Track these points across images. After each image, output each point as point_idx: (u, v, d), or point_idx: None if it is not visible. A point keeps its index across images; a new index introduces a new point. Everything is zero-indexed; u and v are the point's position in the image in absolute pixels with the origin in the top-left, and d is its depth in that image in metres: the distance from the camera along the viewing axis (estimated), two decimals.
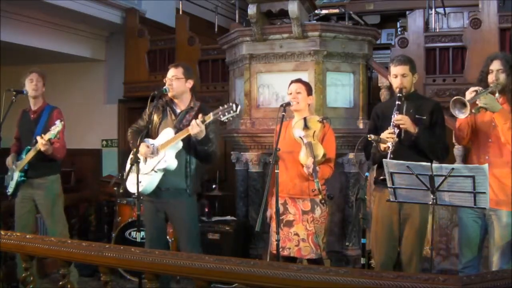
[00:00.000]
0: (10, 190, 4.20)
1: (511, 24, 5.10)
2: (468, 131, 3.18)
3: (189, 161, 3.51)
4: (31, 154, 4.05)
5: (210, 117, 3.29)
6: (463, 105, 2.93)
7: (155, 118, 3.58)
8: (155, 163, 3.40)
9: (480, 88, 3.08)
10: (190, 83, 3.60)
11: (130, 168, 3.36)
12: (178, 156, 3.42)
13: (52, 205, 4.23)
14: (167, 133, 3.45)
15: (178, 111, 3.58)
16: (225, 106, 3.25)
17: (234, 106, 3.22)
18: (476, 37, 5.21)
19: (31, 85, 4.19)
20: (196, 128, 3.25)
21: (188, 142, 3.43)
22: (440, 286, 1.64)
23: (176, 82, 3.53)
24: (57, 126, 3.91)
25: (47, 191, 4.21)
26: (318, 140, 3.50)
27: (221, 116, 3.25)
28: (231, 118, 3.28)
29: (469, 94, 3.12)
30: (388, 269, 3.29)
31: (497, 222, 3.08)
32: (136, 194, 3.48)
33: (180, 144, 3.41)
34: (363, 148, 3.56)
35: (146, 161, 3.45)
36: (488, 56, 3.26)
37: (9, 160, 4.24)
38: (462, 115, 2.97)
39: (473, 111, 2.96)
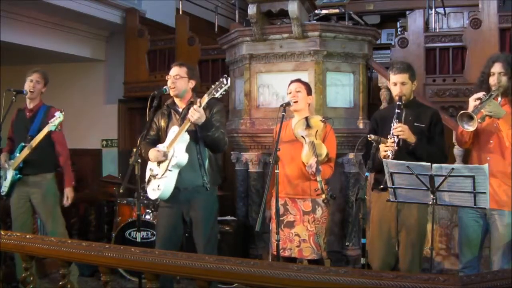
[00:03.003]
0: (4, 190, 4.16)
1: (511, 24, 5.10)
2: (470, 135, 3.17)
3: (201, 155, 3.47)
4: (26, 152, 4.04)
5: (205, 98, 3.30)
6: (470, 118, 2.93)
7: (162, 123, 3.60)
8: (167, 162, 3.39)
9: (483, 94, 3.08)
10: (192, 83, 3.60)
11: (131, 169, 3.35)
12: (188, 151, 3.39)
13: (52, 205, 4.24)
14: (173, 132, 3.46)
15: (180, 109, 3.58)
16: (217, 83, 3.28)
17: (224, 80, 3.24)
18: (476, 37, 5.21)
19: (29, 84, 4.20)
20: (195, 114, 3.25)
21: (196, 135, 3.43)
22: (440, 286, 1.64)
23: (179, 81, 3.53)
24: (58, 118, 3.91)
25: (45, 190, 4.21)
26: (320, 140, 3.50)
27: (215, 93, 3.26)
28: (224, 92, 3.28)
29: (472, 102, 3.12)
30: None
31: (499, 222, 3.07)
32: (156, 200, 3.50)
33: (187, 137, 3.39)
34: (362, 156, 3.54)
35: (159, 165, 3.44)
36: (489, 58, 3.24)
37: (1, 160, 4.21)
38: (471, 128, 2.95)
39: (479, 120, 2.95)
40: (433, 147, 3.24)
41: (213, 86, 3.29)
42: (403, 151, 3.17)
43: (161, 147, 3.47)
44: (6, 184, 4.16)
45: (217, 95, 3.27)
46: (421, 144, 3.19)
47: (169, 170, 3.37)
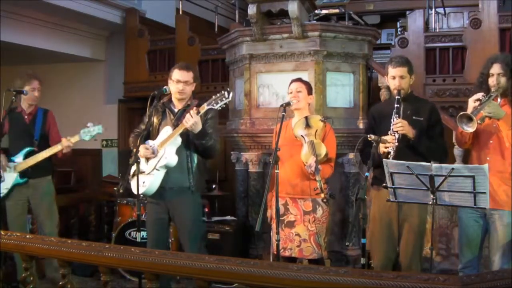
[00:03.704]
0: (4, 191, 4.12)
1: (511, 24, 5.10)
2: (470, 136, 3.17)
3: (190, 158, 3.50)
4: (45, 154, 4.07)
5: (204, 107, 3.31)
6: (470, 119, 2.93)
7: (155, 120, 3.59)
8: (156, 161, 3.41)
9: (483, 94, 3.08)
10: (193, 86, 3.62)
11: (130, 168, 3.37)
12: (178, 153, 3.41)
13: (51, 205, 4.27)
14: (166, 131, 3.46)
15: (176, 110, 3.58)
16: (218, 94, 3.28)
17: (226, 93, 3.24)
18: (476, 37, 5.21)
19: (32, 93, 4.22)
20: (190, 119, 3.25)
21: (187, 138, 3.44)
22: (440, 286, 1.63)
23: (189, 87, 3.54)
24: (97, 130, 4.06)
25: (45, 192, 4.25)
26: (320, 139, 3.50)
27: (215, 105, 3.27)
28: (224, 106, 3.29)
29: (472, 102, 3.12)
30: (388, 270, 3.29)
31: (499, 222, 3.07)
32: (140, 195, 3.49)
33: (179, 140, 3.41)
34: (360, 151, 3.55)
35: (147, 161, 3.45)
36: (488, 58, 3.25)
37: (4, 162, 4.16)
38: (470, 129, 2.96)
39: (478, 121, 2.96)
40: (432, 140, 3.27)
41: (213, 97, 3.29)
42: (403, 146, 3.19)
43: (150, 143, 3.48)
44: (6, 187, 4.14)
45: (217, 107, 3.28)
46: (420, 138, 3.21)
47: (157, 170, 3.39)
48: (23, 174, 4.14)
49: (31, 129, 4.23)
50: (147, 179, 3.41)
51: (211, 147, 3.45)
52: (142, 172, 3.43)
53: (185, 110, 3.54)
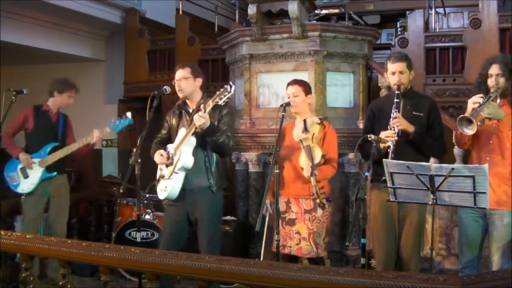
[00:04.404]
0: (30, 187, 4.19)
1: (511, 24, 5.10)
2: (469, 136, 3.18)
3: (208, 158, 3.48)
4: (75, 147, 4.22)
5: (209, 104, 3.32)
6: (469, 121, 2.93)
7: (173, 122, 3.61)
8: (173, 165, 3.41)
9: (481, 96, 3.08)
10: (199, 82, 3.60)
11: (131, 169, 3.36)
12: (195, 154, 3.41)
13: (67, 203, 4.42)
14: (181, 134, 3.48)
15: (191, 110, 3.59)
16: (221, 90, 3.29)
17: (228, 87, 3.25)
18: (476, 37, 5.21)
19: (69, 100, 4.41)
20: (200, 119, 3.26)
21: (203, 138, 3.43)
22: (440, 286, 1.64)
23: (185, 82, 3.53)
24: (130, 120, 4.20)
25: (65, 189, 4.41)
26: (317, 142, 3.50)
27: (219, 100, 3.28)
28: (228, 100, 3.31)
29: (471, 104, 3.12)
30: (390, 268, 3.30)
31: (499, 222, 3.08)
32: (164, 200, 3.54)
33: (194, 140, 3.41)
34: (359, 147, 3.56)
35: (167, 166, 3.47)
36: (487, 59, 3.25)
37: (28, 159, 4.21)
38: (470, 132, 2.96)
39: (478, 123, 2.96)
40: (432, 136, 3.29)
41: (217, 93, 3.30)
42: (403, 141, 3.20)
43: (169, 147, 3.50)
44: (33, 182, 4.20)
45: (221, 102, 3.28)
46: (420, 133, 3.23)
47: (175, 173, 3.40)
48: (51, 168, 4.23)
49: (55, 129, 4.36)
50: (168, 183, 3.42)
51: (222, 144, 3.43)
52: (163, 176, 3.46)
53: (198, 109, 3.51)
